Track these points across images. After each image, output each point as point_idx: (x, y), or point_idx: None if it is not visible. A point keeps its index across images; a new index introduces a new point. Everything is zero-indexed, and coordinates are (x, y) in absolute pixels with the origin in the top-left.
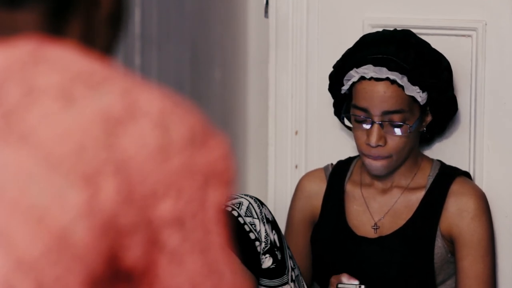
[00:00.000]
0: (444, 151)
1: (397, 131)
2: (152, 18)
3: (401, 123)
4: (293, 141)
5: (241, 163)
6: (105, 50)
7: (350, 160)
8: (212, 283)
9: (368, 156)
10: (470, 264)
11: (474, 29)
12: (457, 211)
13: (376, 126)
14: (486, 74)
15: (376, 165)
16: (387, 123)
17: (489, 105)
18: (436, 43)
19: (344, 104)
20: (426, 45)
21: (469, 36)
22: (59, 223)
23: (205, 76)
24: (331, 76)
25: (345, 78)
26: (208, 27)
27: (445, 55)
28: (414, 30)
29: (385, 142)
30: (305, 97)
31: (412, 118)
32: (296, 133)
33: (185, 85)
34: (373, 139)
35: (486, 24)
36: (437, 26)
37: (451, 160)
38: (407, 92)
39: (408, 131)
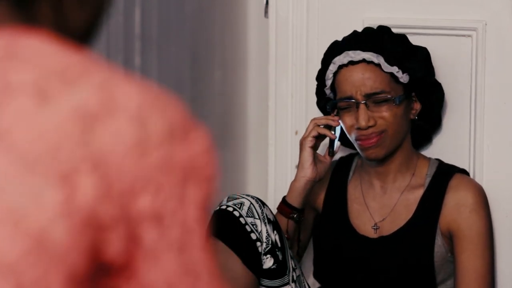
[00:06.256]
0: (444, 150)
1: (384, 108)
2: (152, 18)
3: (386, 99)
4: (293, 141)
5: (241, 163)
6: (82, 37)
7: (351, 156)
8: (188, 284)
9: (361, 138)
10: (468, 258)
11: (474, 29)
12: (455, 205)
13: (362, 107)
14: (486, 74)
15: (371, 142)
16: (372, 103)
17: (489, 105)
18: (436, 43)
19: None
20: (402, 35)
21: (469, 36)
22: (37, 225)
23: (205, 76)
24: (317, 91)
25: (326, 77)
26: (208, 27)
27: (445, 55)
28: (414, 30)
29: (375, 122)
30: (305, 97)
31: (396, 96)
32: (296, 133)
33: (185, 85)
34: (362, 121)
35: (486, 24)
36: (437, 26)
37: (451, 160)
38: (385, 69)
39: (393, 104)
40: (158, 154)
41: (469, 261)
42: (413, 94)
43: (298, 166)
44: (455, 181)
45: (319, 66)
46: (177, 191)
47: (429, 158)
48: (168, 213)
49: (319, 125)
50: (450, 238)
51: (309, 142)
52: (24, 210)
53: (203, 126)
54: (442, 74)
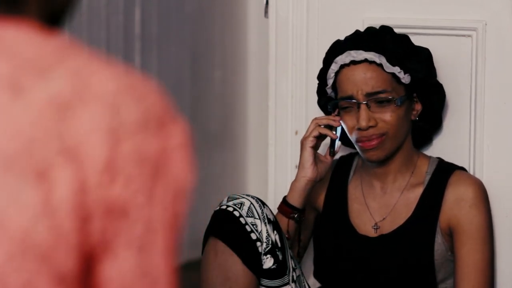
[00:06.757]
0: (445, 151)
1: (385, 109)
2: (152, 18)
3: (387, 99)
4: (293, 141)
5: (241, 163)
6: (60, 18)
7: (352, 156)
8: (142, 287)
9: (362, 140)
10: (468, 253)
11: (474, 29)
12: (455, 200)
13: (363, 107)
14: (486, 74)
15: (371, 145)
16: (373, 103)
17: (489, 105)
18: (436, 43)
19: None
20: (404, 35)
21: (469, 36)
22: (19, 227)
23: (205, 76)
24: (318, 90)
25: (328, 77)
26: (208, 27)
27: (445, 55)
28: (414, 30)
29: (376, 123)
30: (305, 97)
31: (397, 96)
32: (296, 133)
33: (185, 85)
34: (363, 122)
35: (486, 24)
36: (437, 26)
37: (451, 160)
38: (387, 69)
39: (395, 105)
40: (130, 144)
41: (469, 256)
42: (414, 95)
43: (298, 166)
44: (455, 177)
45: (319, 66)
46: (146, 185)
47: (429, 157)
48: (134, 207)
49: (320, 125)
50: (450, 235)
51: (310, 142)
52: (4, 213)
53: (183, 121)
54: (442, 74)
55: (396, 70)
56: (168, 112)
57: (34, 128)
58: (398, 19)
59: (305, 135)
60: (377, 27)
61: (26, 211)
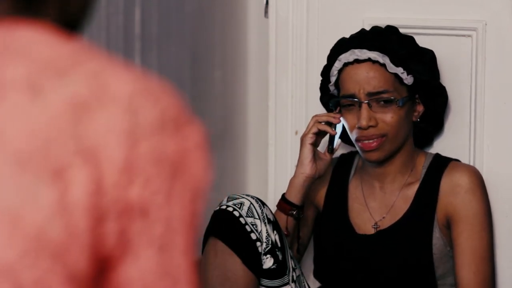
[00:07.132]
0: (445, 150)
1: (386, 109)
2: (152, 18)
3: (389, 99)
4: (293, 141)
5: (241, 163)
6: (77, 24)
7: (353, 154)
8: (164, 286)
9: (362, 140)
10: (466, 240)
11: (474, 29)
12: (450, 188)
13: (364, 106)
14: (486, 74)
15: (371, 146)
16: (375, 103)
17: (489, 105)
18: (436, 43)
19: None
20: (409, 36)
21: (469, 36)
22: (34, 224)
23: (205, 76)
24: (321, 86)
25: (331, 74)
26: (208, 27)
27: (445, 55)
28: (414, 30)
29: (376, 123)
30: (305, 97)
31: (399, 97)
32: (296, 133)
33: (185, 85)
34: (363, 121)
35: (486, 24)
36: (437, 26)
37: None
38: (390, 70)
39: (396, 105)
40: (147, 145)
41: (467, 243)
42: (417, 96)
43: (297, 163)
44: (450, 167)
45: (319, 66)
46: (165, 186)
47: (427, 152)
48: (154, 207)
49: (320, 122)
50: (448, 228)
51: (309, 139)
52: (20, 210)
53: (198, 122)
54: (442, 74)
55: (399, 70)
56: (184, 113)
57: (52, 128)
58: (398, 19)
59: (304, 131)
60: (383, 27)
61: (41, 209)
